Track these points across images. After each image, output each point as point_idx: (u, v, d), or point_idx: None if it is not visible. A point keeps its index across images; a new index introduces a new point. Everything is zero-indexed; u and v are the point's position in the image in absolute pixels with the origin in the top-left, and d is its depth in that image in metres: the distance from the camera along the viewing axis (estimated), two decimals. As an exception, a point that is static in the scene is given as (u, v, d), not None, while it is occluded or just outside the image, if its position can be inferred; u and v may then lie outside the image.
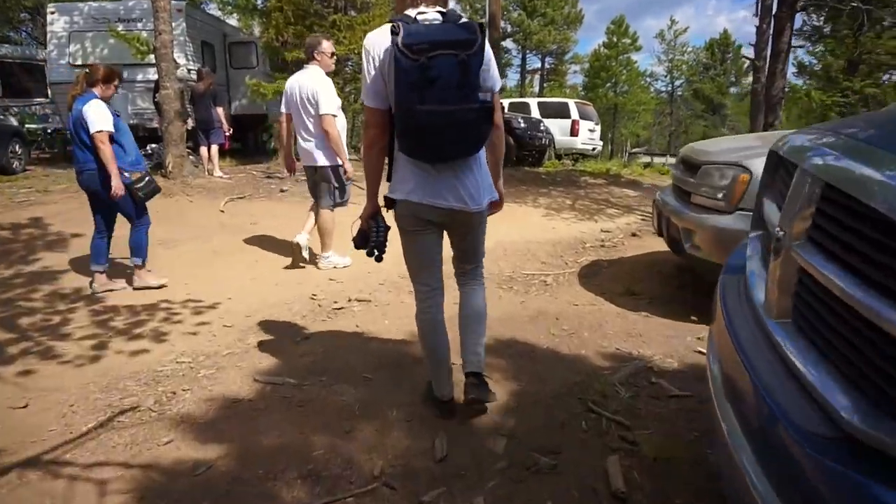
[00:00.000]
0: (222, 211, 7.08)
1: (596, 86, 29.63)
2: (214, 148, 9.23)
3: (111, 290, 4.38)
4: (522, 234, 6.87)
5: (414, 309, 2.46)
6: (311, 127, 4.57)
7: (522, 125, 11.85)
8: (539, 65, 30.34)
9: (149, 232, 4.52)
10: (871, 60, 16.51)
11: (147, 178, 4.29)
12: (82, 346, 3.43)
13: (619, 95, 29.47)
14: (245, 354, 3.26)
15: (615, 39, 30.16)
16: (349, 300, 4.24)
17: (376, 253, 2.31)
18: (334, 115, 4.50)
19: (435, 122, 1.90)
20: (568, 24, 27.99)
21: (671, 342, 3.37)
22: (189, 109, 8.93)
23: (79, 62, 10.77)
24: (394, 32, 1.88)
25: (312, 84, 4.45)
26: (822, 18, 17.75)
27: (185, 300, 4.23)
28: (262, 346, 3.37)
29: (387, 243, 2.32)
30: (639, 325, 3.68)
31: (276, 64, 11.53)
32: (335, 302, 4.19)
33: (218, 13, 17.15)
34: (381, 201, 2.29)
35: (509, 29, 26.74)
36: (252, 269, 5.13)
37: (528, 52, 28.71)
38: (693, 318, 3.77)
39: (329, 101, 4.43)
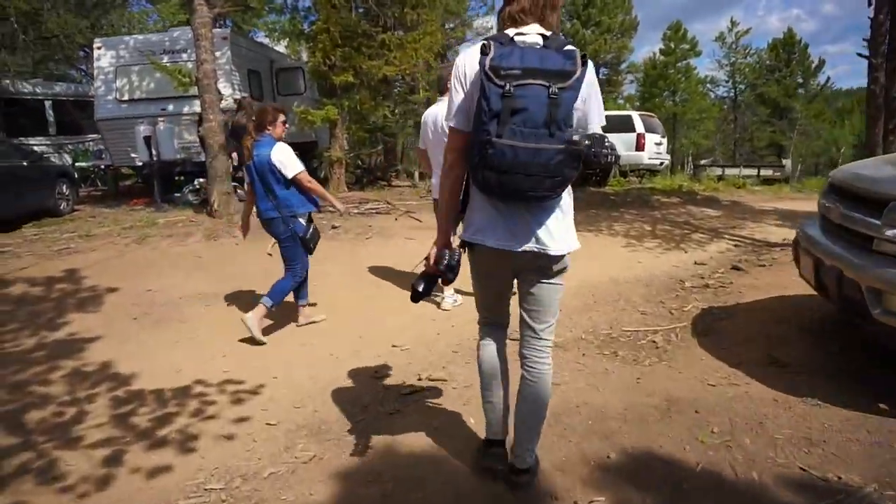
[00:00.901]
0: (269, 254, 6.41)
1: (653, 95, 28.16)
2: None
3: (313, 322, 4.47)
4: (606, 270, 5.97)
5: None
6: None
7: (586, 141, 10.92)
8: (594, 76, 28.91)
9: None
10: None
11: (313, 226, 4.28)
12: (92, 459, 2.71)
13: (678, 104, 28.03)
14: (292, 477, 2.47)
15: (672, 46, 28.76)
16: (419, 378, 3.42)
17: (415, 293, 2.10)
18: None
19: (512, 158, 1.69)
20: (623, 32, 26.84)
21: (877, 455, 2.40)
22: (232, 143, 8.40)
23: (125, 97, 10.50)
24: (483, 52, 1.71)
25: None
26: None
27: (222, 381, 3.49)
28: (314, 463, 2.58)
29: (459, 267, 2.08)
30: (813, 421, 2.71)
31: (323, 89, 10.99)
32: (403, 382, 3.38)
33: (265, 40, 16.95)
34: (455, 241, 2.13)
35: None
36: (302, 332, 4.40)
37: (583, 63, 27.62)
38: (882, 405, 2.79)
39: None
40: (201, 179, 9.39)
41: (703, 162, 21.95)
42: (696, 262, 6.53)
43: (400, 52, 9.96)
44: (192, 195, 9.51)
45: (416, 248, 6.93)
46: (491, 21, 28.47)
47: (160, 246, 6.78)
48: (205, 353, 3.97)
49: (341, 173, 10.33)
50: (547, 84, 1.66)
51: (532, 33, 1.83)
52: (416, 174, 12.57)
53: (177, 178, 10.73)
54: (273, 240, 4.29)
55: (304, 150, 13.01)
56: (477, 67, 1.74)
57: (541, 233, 1.91)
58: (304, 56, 13.74)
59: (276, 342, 4.18)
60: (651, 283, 5.56)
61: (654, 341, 3.98)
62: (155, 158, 9.39)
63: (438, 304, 4.86)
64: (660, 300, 5.01)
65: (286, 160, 3.98)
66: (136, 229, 7.52)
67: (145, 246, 6.77)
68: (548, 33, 1.84)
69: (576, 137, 1.73)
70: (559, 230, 1.94)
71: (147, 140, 9.32)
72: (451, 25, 21.38)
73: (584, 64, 1.73)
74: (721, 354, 3.62)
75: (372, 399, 3.21)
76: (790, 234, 8.75)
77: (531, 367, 2.12)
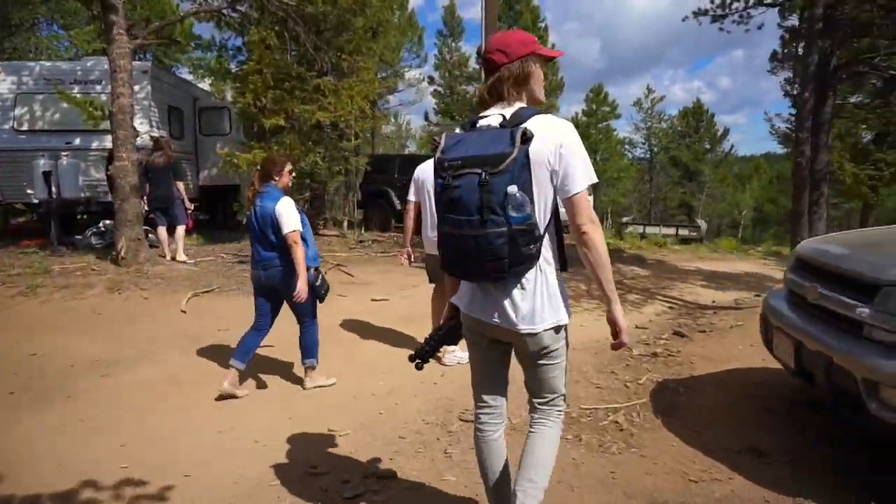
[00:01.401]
0: (184, 311, 5.72)
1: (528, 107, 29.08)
2: (181, 229, 7.91)
3: (321, 387, 4.20)
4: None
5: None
6: None
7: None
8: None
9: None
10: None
11: (322, 275, 4.21)
12: None
13: (599, 163, 29.26)
14: None
15: (594, 107, 30.20)
16: (365, 477, 2.91)
17: (417, 361, 2.06)
18: None
19: (455, 245, 1.77)
20: (549, 91, 27.88)
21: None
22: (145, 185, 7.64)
23: (24, 127, 9.49)
24: (434, 146, 1.83)
25: None
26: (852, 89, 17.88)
27: (118, 483, 2.82)
28: None
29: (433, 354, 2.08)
30: (812, 530, 2.45)
31: (250, 131, 10.42)
32: (345, 482, 2.86)
33: (189, 76, 16.16)
34: None
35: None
36: (221, 413, 3.77)
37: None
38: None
39: None
40: (107, 221, 8.49)
41: (625, 219, 22.76)
42: (637, 326, 6.41)
43: (335, 98, 9.61)
44: (96, 238, 8.57)
45: (349, 307, 6.43)
46: (422, 73, 28.97)
47: (52, 298, 5.91)
48: (99, 441, 3.27)
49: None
50: (480, 171, 1.68)
51: (495, 115, 1.84)
52: (346, 223, 12.08)
53: (79, 217, 9.71)
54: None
55: (226, 194, 12.34)
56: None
57: (507, 309, 1.86)
58: (229, 96, 13.14)
59: (191, 427, 3.53)
60: (600, 352, 5.31)
61: (616, 421, 3.68)
62: (54, 195, 8.41)
63: (440, 359, 4.66)
64: (612, 370, 4.76)
65: (287, 215, 3.88)
66: (25, 277, 6.56)
67: (34, 298, 5.88)
68: (510, 112, 1.82)
69: (525, 215, 1.72)
70: (527, 307, 1.86)
71: (46, 175, 8.35)
72: (384, 75, 21.43)
73: (526, 141, 1.69)
74: (692, 439, 3.35)
75: (310, 500, 2.67)
76: (718, 296, 8.96)
77: (533, 422, 2.09)
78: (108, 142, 7.95)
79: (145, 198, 7.66)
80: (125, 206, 7.03)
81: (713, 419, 3.63)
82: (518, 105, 1.86)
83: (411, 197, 4.78)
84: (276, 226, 3.89)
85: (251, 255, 4.10)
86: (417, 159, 14.96)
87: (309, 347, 4.19)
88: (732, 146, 36.53)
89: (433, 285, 5.01)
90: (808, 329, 2.96)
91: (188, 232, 8.75)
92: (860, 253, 3.05)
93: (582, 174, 1.79)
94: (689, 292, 8.97)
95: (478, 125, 1.84)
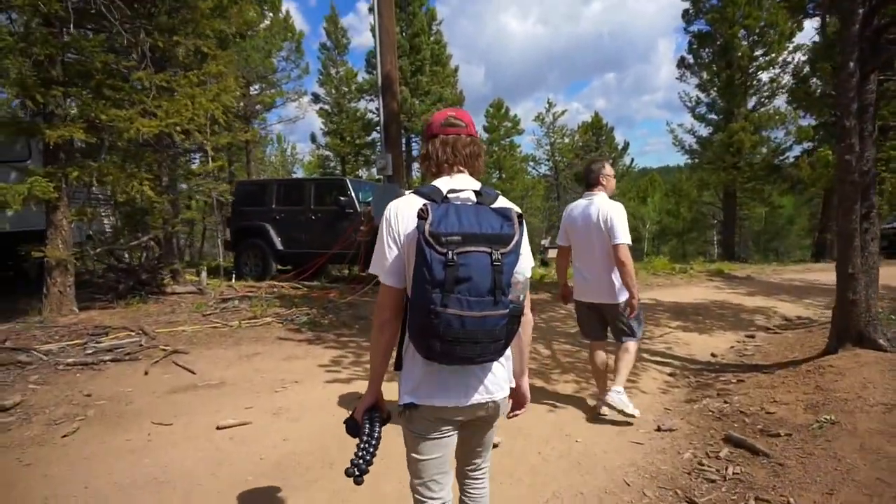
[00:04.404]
0: None
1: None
2: None
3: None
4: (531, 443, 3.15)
5: None
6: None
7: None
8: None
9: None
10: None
11: None
12: None
13: (504, 181, 27.57)
14: None
15: (496, 122, 28.55)
16: None
17: (357, 474, 1.78)
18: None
19: (459, 328, 1.60)
20: (452, 103, 25.74)
21: None
22: None
23: None
24: (420, 216, 1.61)
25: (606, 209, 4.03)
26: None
27: None
28: None
29: (372, 461, 1.81)
30: None
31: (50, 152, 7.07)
32: None
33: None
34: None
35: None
36: None
37: (411, 135, 25.86)
38: None
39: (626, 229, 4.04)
40: None
41: (543, 243, 20.95)
42: (659, 429, 4.06)
43: (167, 99, 6.59)
44: None
45: (174, 444, 3.50)
46: (305, 86, 25.95)
47: None
48: None
49: (65, 283, 6.38)
50: (489, 250, 1.60)
51: (466, 189, 1.78)
52: (203, 274, 8.86)
53: None
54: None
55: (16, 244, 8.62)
56: (412, 228, 1.70)
57: (489, 379, 1.84)
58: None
59: None
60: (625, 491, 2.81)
61: None
62: None
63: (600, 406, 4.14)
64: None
65: None
66: None
67: None
68: (478, 186, 1.82)
69: (515, 296, 1.69)
70: (501, 374, 1.87)
71: None
72: (256, 88, 18.23)
73: (522, 224, 1.67)
74: None
75: None
76: (712, 344, 6.92)
77: (473, 484, 2.06)
78: None
79: None
80: None
81: None
82: (473, 180, 1.86)
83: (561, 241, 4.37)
84: None
85: None
86: (303, 184, 12.13)
87: None
88: (633, 160, 36.52)
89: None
90: None
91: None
92: None
93: (530, 260, 1.85)
94: (674, 340, 6.79)
95: (449, 198, 1.73)
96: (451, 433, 1.89)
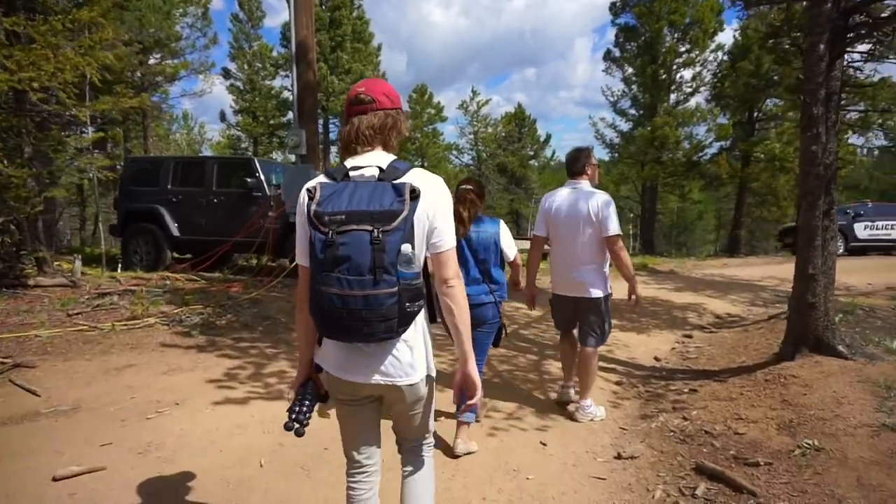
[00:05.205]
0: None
1: (401, 158, 26.49)
2: None
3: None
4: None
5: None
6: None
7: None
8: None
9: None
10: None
11: None
12: None
13: (427, 169, 26.72)
14: None
15: (419, 108, 27.63)
16: None
17: (296, 426, 1.81)
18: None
19: (341, 306, 1.57)
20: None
21: None
22: None
23: None
24: (309, 196, 1.64)
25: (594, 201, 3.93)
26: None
27: None
28: None
29: (310, 417, 1.84)
30: None
31: None
32: None
33: None
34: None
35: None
36: None
37: (330, 116, 24.36)
38: None
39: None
40: None
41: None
42: (619, 456, 3.47)
43: (21, 48, 5.31)
44: None
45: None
46: (213, 59, 23.92)
47: None
48: None
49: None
50: (370, 228, 1.56)
51: (370, 165, 1.72)
52: (77, 262, 7.50)
53: None
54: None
55: None
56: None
57: (387, 366, 1.75)
58: None
59: None
60: None
61: None
62: None
63: (574, 417, 4.04)
64: None
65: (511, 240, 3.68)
66: None
67: None
68: (386, 163, 1.72)
69: (414, 271, 1.66)
70: (406, 360, 1.77)
71: None
72: (157, 57, 16.36)
73: (415, 198, 1.60)
74: None
75: None
76: (653, 345, 6.51)
77: (408, 464, 2.03)
78: None
79: None
80: None
81: None
82: (389, 155, 1.78)
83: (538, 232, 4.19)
84: (498, 250, 3.62)
85: None
86: (204, 163, 10.71)
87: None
88: (554, 152, 36.72)
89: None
90: None
91: None
92: None
93: (451, 230, 1.78)
94: (613, 342, 6.28)
95: (350, 175, 1.70)
96: (358, 405, 1.89)
